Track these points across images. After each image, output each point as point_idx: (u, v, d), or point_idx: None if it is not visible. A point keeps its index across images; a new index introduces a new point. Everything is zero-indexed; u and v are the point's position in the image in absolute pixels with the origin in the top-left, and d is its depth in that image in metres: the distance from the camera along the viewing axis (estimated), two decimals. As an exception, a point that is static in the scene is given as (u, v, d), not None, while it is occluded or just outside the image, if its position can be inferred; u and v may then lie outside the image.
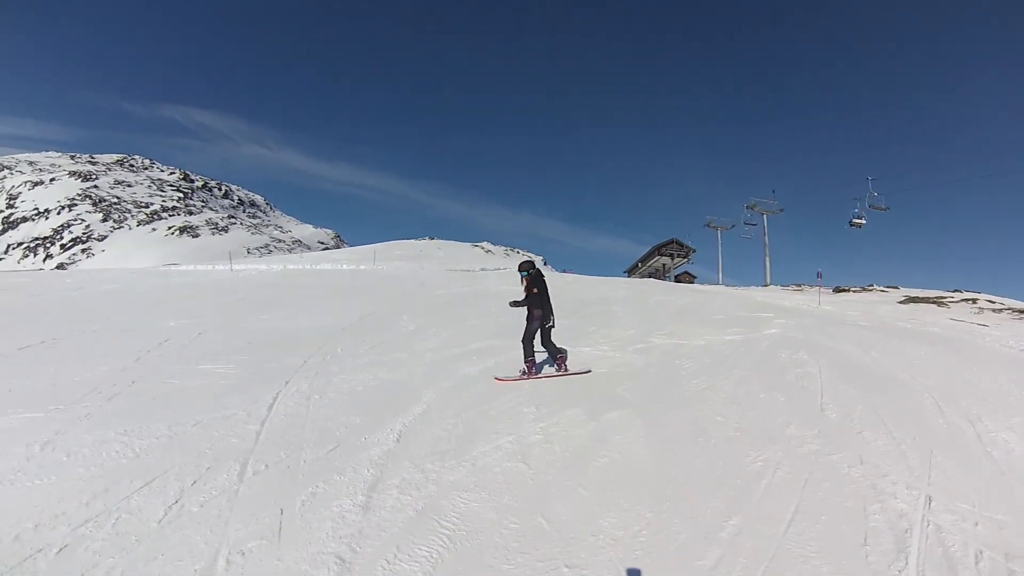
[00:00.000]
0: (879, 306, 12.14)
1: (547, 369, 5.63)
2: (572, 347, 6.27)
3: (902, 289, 15.58)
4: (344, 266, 24.35)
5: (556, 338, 5.85)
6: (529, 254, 59.81)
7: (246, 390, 4.48)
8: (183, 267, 27.67)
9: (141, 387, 4.65)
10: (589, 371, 5.48)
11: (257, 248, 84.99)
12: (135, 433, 3.47)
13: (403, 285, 14.10)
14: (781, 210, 31.61)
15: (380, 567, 2.18)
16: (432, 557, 2.25)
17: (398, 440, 3.45)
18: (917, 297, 13.26)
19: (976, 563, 2.26)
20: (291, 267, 25.02)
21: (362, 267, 23.55)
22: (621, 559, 2.26)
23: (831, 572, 2.18)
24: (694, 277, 39.76)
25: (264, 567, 2.19)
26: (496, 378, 5.26)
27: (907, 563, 2.24)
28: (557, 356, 5.70)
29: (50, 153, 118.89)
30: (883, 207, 26.12)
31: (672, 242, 40.67)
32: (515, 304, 5.79)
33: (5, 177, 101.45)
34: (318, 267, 24.09)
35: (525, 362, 5.49)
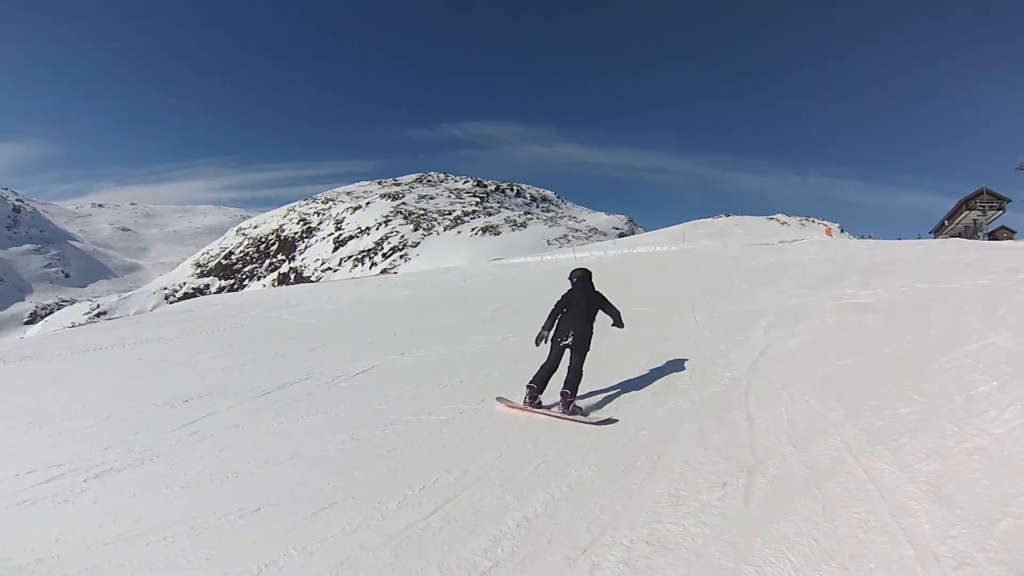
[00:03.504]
0: None
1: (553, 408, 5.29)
2: (855, 290, 10.41)
3: None
4: (658, 248, 30.29)
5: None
6: (824, 222, 57.09)
7: (669, 317, 9.98)
8: (511, 260, 36.59)
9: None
10: (609, 420, 4.94)
11: (556, 239, 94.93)
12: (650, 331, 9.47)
13: (720, 260, 18.97)
14: None
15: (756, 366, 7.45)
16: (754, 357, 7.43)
17: (765, 330, 8.44)
18: None
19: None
20: (611, 252, 31.92)
21: (673, 248, 29.07)
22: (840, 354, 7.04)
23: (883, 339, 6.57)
24: (1013, 232, 33.50)
25: (745, 353, 7.66)
26: (498, 399, 5.68)
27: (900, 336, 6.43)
28: (562, 390, 5.11)
29: (362, 183, 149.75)
30: None
31: (981, 193, 34.72)
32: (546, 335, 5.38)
33: (331, 207, 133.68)
34: (636, 251, 30.56)
35: (527, 384, 5.32)
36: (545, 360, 5.40)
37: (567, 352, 5.34)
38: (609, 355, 7.81)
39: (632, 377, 6.48)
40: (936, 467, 3.41)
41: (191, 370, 10.08)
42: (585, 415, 5.11)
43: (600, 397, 5.80)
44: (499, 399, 5.70)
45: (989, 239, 33.29)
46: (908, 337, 6.86)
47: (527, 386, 5.32)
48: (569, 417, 4.99)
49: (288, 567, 3.14)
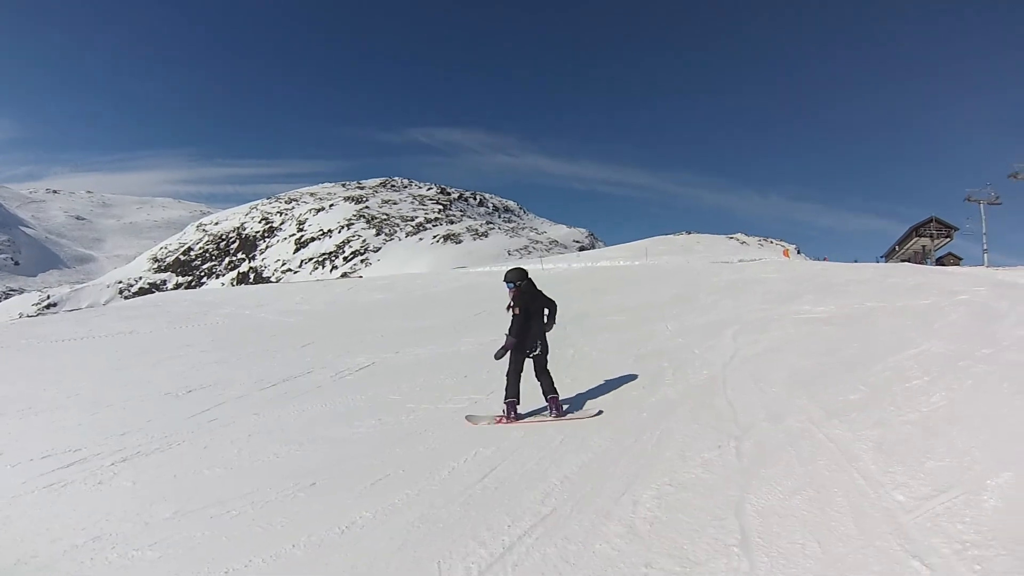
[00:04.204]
0: None
1: (542, 413, 5.54)
2: (811, 306, 11.59)
3: None
4: (621, 262, 31.54)
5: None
6: (782, 243, 60.22)
7: (643, 325, 10.88)
8: (475, 269, 37.27)
9: (586, 323, 11.79)
10: (599, 412, 5.38)
11: (517, 250, 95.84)
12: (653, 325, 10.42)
13: (683, 275, 20.15)
14: None
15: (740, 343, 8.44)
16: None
17: (733, 337, 9.37)
18: None
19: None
20: (575, 265, 32.99)
21: (636, 262, 30.36)
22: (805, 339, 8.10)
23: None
24: (959, 259, 36.64)
25: (718, 355, 8.59)
26: (467, 417, 5.58)
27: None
28: (549, 396, 5.37)
29: (326, 184, 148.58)
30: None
31: (931, 221, 37.91)
32: (502, 352, 5.37)
33: (294, 207, 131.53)
34: (599, 264, 31.73)
35: (505, 401, 5.34)
36: (510, 370, 5.42)
37: (530, 359, 5.50)
38: (598, 357, 8.64)
39: (622, 375, 7.28)
40: (879, 432, 4.33)
41: (182, 363, 10.26)
42: (572, 412, 5.49)
43: (597, 391, 6.58)
44: (468, 417, 5.67)
45: (937, 264, 35.81)
46: (858, 344, 7.88)
47: (506, 402, 5.40)
48: (566, 418, 5.33)
49: (368, 527, 3.43)
